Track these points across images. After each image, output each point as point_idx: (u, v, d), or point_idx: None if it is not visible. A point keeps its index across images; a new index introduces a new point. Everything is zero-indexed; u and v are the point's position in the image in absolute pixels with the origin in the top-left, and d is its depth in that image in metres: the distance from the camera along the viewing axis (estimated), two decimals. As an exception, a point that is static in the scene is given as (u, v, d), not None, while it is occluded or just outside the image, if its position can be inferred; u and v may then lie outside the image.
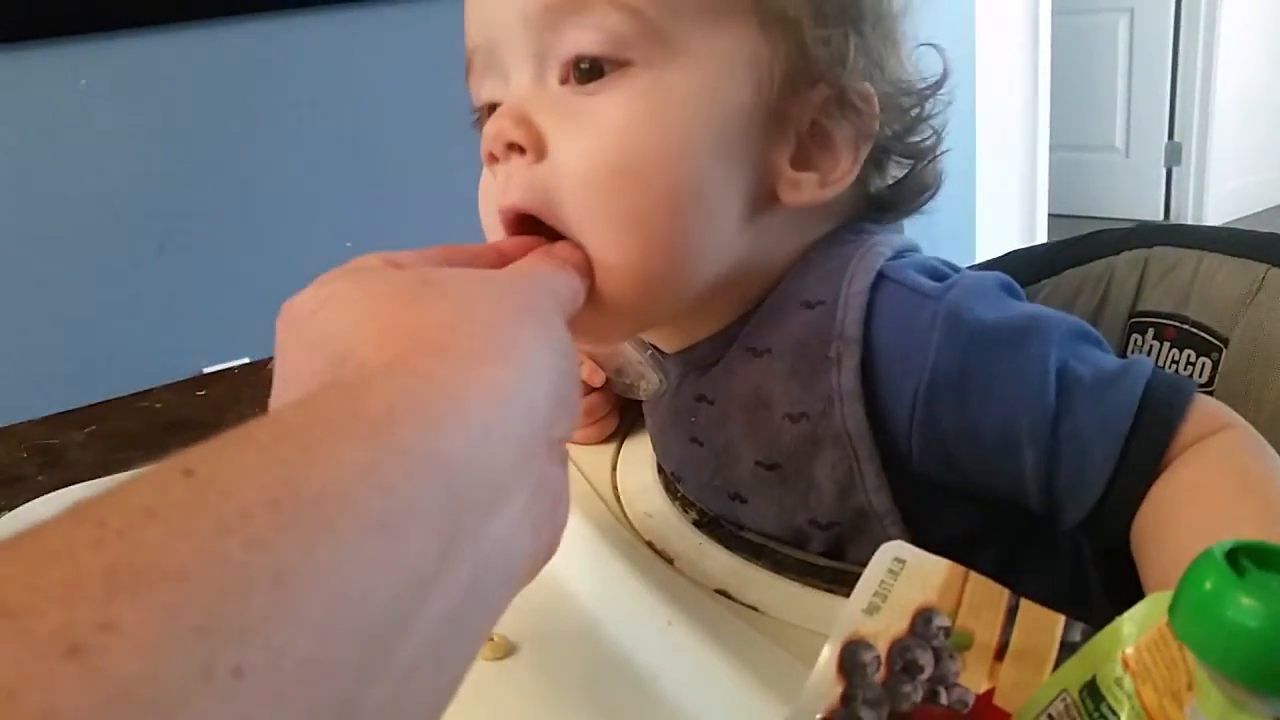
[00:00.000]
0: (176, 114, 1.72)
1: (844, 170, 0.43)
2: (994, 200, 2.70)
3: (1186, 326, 0.57)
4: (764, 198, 0.43)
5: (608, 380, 0.56)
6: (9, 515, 0.57)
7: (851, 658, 0.31)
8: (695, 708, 0.37)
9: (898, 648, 0.31)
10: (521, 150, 0.40)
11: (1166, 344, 0.58)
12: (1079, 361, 0.41)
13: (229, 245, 1.78)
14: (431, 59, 1.87)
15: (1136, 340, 0.59)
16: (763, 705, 0.34)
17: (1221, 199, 3.75)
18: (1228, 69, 3.66)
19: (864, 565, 0.34)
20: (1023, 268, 0.62)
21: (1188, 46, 3.67)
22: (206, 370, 1.04)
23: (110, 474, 0.57)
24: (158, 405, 0.76)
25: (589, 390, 0.56)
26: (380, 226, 1.92)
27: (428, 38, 1.84)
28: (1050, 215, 3.12)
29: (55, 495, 0.58)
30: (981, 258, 0.79)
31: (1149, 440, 0.39)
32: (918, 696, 0.30)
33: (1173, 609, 0.25)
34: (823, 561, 0.43)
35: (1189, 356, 0.57)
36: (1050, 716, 0.28)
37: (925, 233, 0.54)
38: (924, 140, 0.48)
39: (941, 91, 0.47)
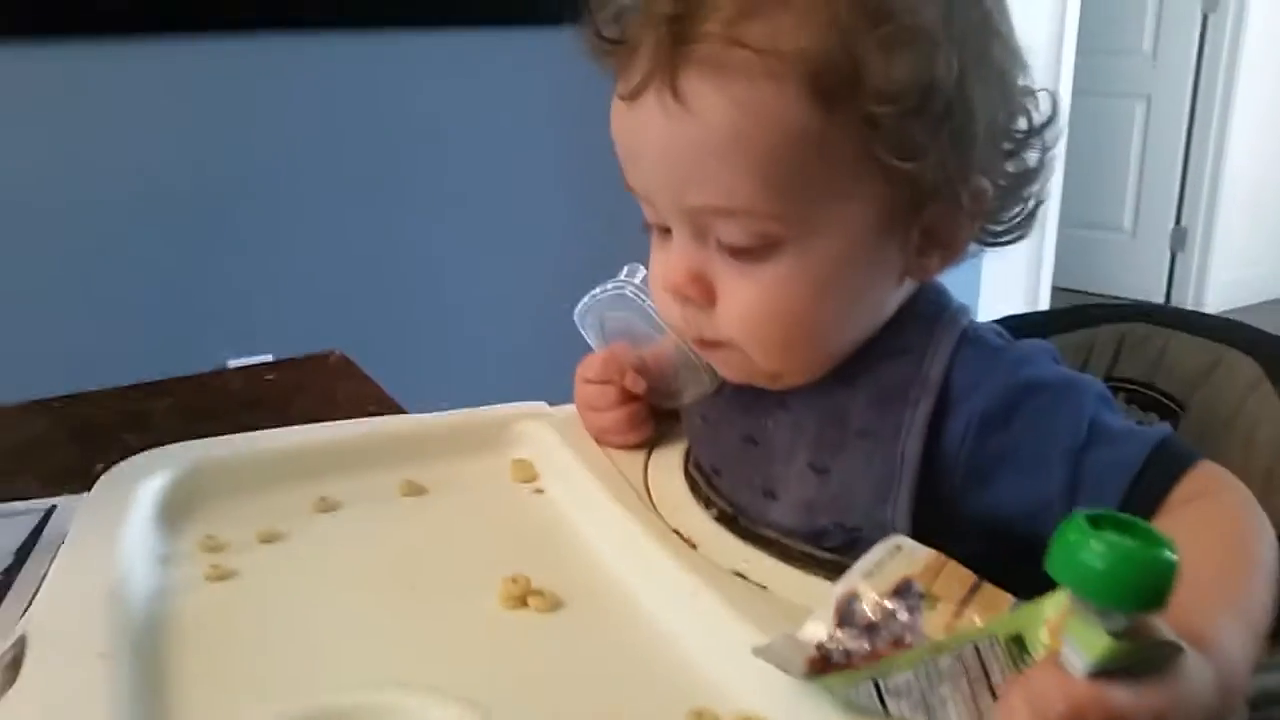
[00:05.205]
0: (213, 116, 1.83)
1: (962, 243, 0.53)
2: (1000, 269, 2.80)
3: (1152, 393, 0.66)
4: (894, 283, 0.53)
5: (647, 390, 0.64)
6: (107, 474, 0.62)
7: (847, 605, 0.40)
8: (713, 662, 0.45)
9: (883, 603, 0.39)
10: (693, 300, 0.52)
11: (1135, 406, 0.66)
12: (1108, 416, 0.50)
13: (253, 246, 1.88)
14: (464, 86, 2.00)
15: (1109, 402, 0.68)
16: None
17: (1223, 287, 3.84)
18: (1238, 160, 3.76)
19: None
20: (1016, 329, 0.70)
21: (1200, 136, 3.78)
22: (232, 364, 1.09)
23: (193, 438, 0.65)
24: (233, 385, 0.85)
25: (631, 399, 0.64)
26: (399, 236, 2.02)
27: (462, 63, 1.99)
28: (1055, 288, 3.22)
29: (146, 455, 0.65)
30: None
31: (1151, 485, 0.47)
32: (890, 637, 0.39)
33: (1048, 556, 0.33)
34: (827, 556, 0.51)
35: (1152, 418, 0.65)
36: (977, 647, 0.37)
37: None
38: (1031, 180, 0.54)
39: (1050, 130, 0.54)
